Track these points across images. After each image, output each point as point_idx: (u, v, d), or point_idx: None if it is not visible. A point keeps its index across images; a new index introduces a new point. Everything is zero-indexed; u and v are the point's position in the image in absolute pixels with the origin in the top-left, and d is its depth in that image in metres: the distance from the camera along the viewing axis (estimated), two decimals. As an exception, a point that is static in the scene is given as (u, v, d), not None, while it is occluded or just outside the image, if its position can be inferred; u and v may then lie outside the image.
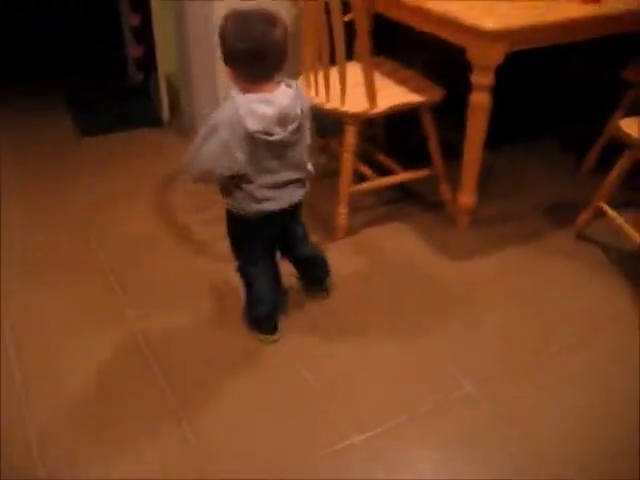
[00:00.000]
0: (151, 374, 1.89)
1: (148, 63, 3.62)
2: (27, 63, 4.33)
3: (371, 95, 2.29)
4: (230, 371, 1.91)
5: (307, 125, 1.84)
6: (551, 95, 3.34)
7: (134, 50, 3.78)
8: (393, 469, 1.62)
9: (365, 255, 2.44)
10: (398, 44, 2.78)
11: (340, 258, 2.38)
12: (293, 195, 1.86)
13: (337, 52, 2.21)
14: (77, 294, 2.22)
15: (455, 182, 2.48)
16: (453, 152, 2.44)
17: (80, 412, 1.77)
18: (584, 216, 2.47)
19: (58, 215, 2.68)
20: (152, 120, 3.53)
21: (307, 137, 1.85)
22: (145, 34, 3.50)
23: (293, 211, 1.92)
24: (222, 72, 3.03)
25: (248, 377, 1.89)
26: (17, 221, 2.64)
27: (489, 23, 2.06)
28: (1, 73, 3.89)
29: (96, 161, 3.14)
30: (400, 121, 2.80)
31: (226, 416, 1.76)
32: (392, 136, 3.02)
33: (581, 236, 2.51)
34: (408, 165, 2.66)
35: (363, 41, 2.19)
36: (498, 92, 2.26)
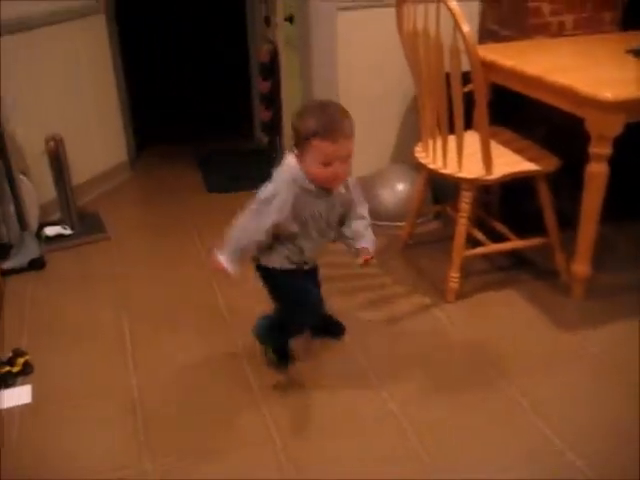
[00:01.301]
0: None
1: (274, 127, 3.84)
2: (165, 127, 4.68)
3: (487, 162, 2.35)
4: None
5: (353, 196, 1.98)
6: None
7: (262, 115, 4.01)
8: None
9: (475, 320, 2.46)
10: (518, 116, 2.84)
11: (450, 321, 2.42)
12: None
13: (456, 120, 2.30)
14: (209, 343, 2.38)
15: (570, 252, 2.46)
16: (570, 221, 2.43)
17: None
18: None
19: (184, 262, 2.90)
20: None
21: (353, 208, 1.99)
22: (273, 100, 3.73)
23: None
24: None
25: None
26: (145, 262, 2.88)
27: (607, 93, 2.09)
28: (143, 136, 4.24)
29: (220, 215, 3.33)
30: (516, 190, 2.83)
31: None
32: (507, 204, 3.04)
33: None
34: (522, 233, 2.67)
35: (481, 110, 2.27)
36: (622, 164, 2.26)
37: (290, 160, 1.84)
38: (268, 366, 2.18)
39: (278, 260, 1.97)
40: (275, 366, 2.18)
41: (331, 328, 2.34)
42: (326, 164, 1.75)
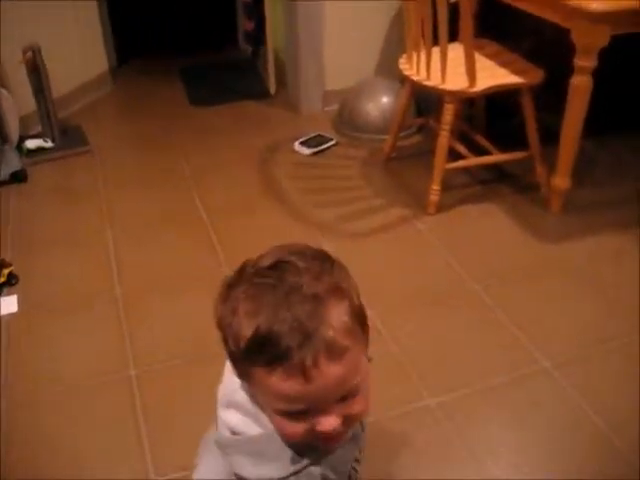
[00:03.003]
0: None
1: (257, 37, 3.76)
2: (144, 38, 4.57)
3: (471, 74, 2.33)
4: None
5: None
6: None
7: (245, 24, 3.93)
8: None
9: (455, 232, 2.49)
10: (504, 28, 2.79)
11: (430, 233, 2.46)
12: None
13: (440, 31, 2.27)
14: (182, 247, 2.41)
15: (552, 166, 2.48)
16: (553, 137, 2.44)
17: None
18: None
19: (167, 176, 2.90)
20: (259, 93, 3.67)
21: None
22: (256, 10, 3.64)
23: None
24: (327, 48, 3.15)
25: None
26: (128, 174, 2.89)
27: (594, 4, 2.06)
28: (125, 48, 4.15)
29: (203, 128, 3.33)
30: (500, 104, 2.82)
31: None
32: (491, 118, 3.03)
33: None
34: (505, 147, 2.67)
35: (466, 21, 2.23)
36: (605, 80, 2.25)
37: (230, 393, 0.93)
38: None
39: None
40: None
41: None
42: (295, 415, 0.81)
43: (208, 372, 1.88)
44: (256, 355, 0.76)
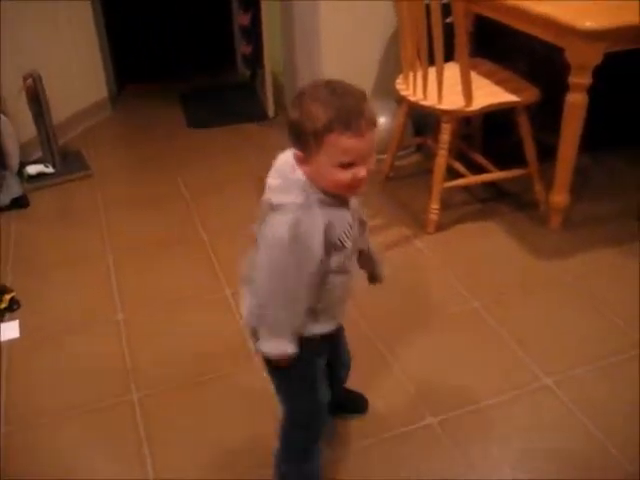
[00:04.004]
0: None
1: (256, 61, 3.80)
2: (145, 61, 4.60)
3: (467, 93, 2.35)
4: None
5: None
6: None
7: (243, 48, 3.97)
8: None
9: (454, 250, 2.50)
10: (500, 47, 2.82)
11: (430, 251, 2.47)
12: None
13: (436, 51, 2.29)
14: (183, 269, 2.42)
15: (549, 183, 2.49)
16: (550, 153, 2.46)
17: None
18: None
19: (166, 199, 2.91)
20: (258, 115, 3.70)
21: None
22: (254, 33, 3.68)
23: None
24: (325, 69, 3.18)
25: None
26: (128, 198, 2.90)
27: (587, 22, 2.09)
28: (124, 73, 4.19)
29: (202, 151, 3.35)
30: (497, 122, 2.84)
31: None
32: (488, 136, 3.05)
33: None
34: (503, 165, 2.69)
35: (461, 40, 2.26)
36: (600, 96, 2.27)
37: (287, 166, 1.32)
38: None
39: (324, 320, 1.39)
40: None
41: (351, 404, 1.82)
42: (346, 165, 1.22)
43: (209, 392, 1.91)
44: (336, 124, 1.18)
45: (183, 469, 1.65)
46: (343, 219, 1.31)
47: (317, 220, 1.26)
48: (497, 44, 2.82)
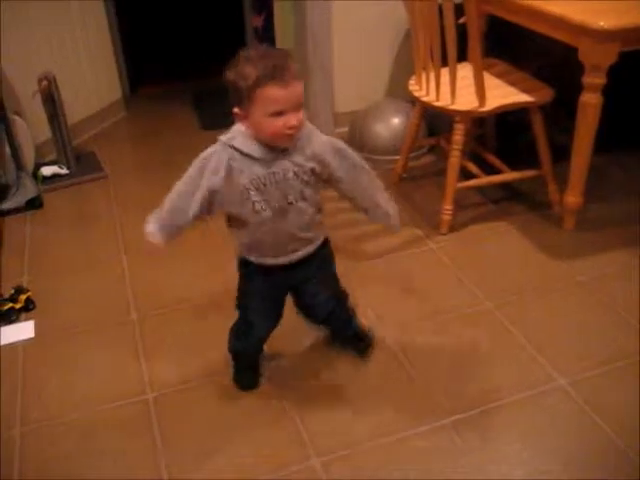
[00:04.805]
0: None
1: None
2: (159, 63, 4.64)
3: (480, 94, 2.35)
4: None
5: (333, 160, 1.63)
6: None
7: (256, 49, 3.97)
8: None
9: (468, 251, 2.50)
10: (512, 46, 2.82)
11: (443, 252, 2.47)
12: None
13: (449, 52, 2.29)
14: (197, 270, 2.42)
15: (563, 184, 2.49)
16: (564, 154, 2.45)
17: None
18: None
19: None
20: (270, 116, 3.70)
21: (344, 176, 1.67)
22: (266, 35, 3.69)
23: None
24: (337, 70, 3.18)
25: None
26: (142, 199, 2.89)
27: (601, 22, 2.08)
28: (137, 74, 4.22)
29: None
30: (511, 122, 2.84)
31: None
32: (502, 137, 3.04)
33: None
34: (516, 166, 2.68)
35: (474, 40, 2.25)
36: (614, 96, 2.26)
37: (234, 127, 1.57)
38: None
39: (238, 244, 1.72)
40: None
41: (356, 342, 2.02)
42: (277, 114, 1.43)
43: (226, 396, 1.92)
44: (264, 78, 1.40)
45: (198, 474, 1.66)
46: (252, 171, 1.53)
47: (222, 157, 1.53)
48: (510, 44, 2.81)
